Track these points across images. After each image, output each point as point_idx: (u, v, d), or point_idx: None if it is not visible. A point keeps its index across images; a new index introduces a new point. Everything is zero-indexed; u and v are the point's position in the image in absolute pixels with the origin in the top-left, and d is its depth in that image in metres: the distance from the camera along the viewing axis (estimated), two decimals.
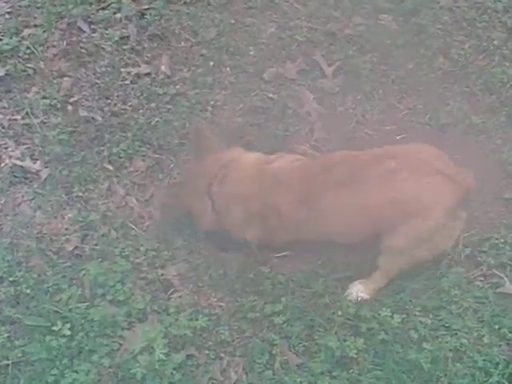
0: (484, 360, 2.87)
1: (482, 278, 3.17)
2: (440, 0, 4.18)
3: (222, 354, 2.99)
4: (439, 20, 4.05)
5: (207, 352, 2.99)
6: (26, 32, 3.90)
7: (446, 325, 2.99)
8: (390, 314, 2.96)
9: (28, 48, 3.83)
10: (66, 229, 3.35)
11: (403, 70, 3.89)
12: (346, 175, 2.92)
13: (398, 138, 3.64)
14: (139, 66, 3.85)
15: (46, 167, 3.51)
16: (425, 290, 3.10)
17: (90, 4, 4.00)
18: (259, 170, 3.13)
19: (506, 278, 3.13)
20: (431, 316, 3.03)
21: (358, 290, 3.11)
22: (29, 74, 3.77)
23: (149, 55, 3.88)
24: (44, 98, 3.69)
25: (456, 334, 2.96)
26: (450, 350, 2.89)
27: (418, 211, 2.86)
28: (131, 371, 2.84)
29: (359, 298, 3.08)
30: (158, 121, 3.65)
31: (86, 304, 3.06)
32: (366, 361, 2.88)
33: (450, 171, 2.89)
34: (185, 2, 4.09)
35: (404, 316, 2.99)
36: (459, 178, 2.90)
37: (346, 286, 3.13)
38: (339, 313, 2.99)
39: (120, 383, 2.89)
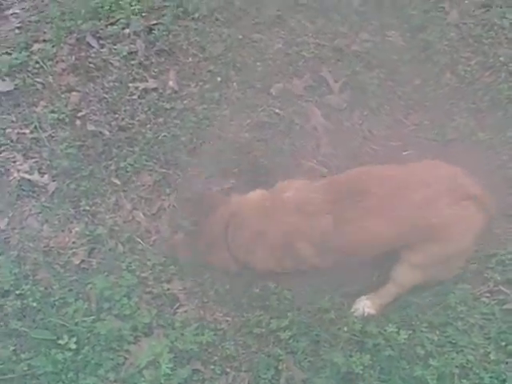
0: (490, 377, 2.86)
1: (488, 295, 3.16)
2: (447, 16, 4.20)
3: (228, 369, 2.99)
4: (446, 36, 4.07)
5: (213, 367, 2.99)
6: (36, 47, 3.94)
7: (453, 341, 2.98)
8: (396, 330, 2.96)
9: (37, 62, 3.86)
10: (73, 242, 3.36)
11: (410, 85, 3.90)
12: (377, 201, 2.82)
13: (404, 153, 3.64)
14: (147, 80, 3.87)
15: (54, 181, 3.52)
16: (431, 305, 3.09)
17: (99, 19, 4.04)
18: (272, 204, 3.04)
19: None
20: (438, 332, 3.02)
21: (365, 306, 3.10)
22: (37, 89, 3.80)
23: (156, 70, 3.90)
24: (52, 112, 3.71)
25: (462, 350, 2.95)
26: (457, 367, 2.88)
27: (447, 236, 2.84)
28: None
29: (366, 314, 3.07)
30: (165, 135, 3.66)
31: (92, 318, 3.07)
32: (371, 377, 2.87)
33: (481, 197, 2.86)
34: (192, 18, 4.12)
35: (410, 332, 2.98)
36: (488, 205, 2.87)
37: (352, 301, 3.12)
38: (345, 328, 2.99)
39: None
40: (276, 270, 3.10)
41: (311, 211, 2.91)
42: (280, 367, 2.94)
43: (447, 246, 2.86)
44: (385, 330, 2.97)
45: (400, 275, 3.03)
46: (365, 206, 2.82)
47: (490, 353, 2.94)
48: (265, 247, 3.03)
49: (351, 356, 2.90)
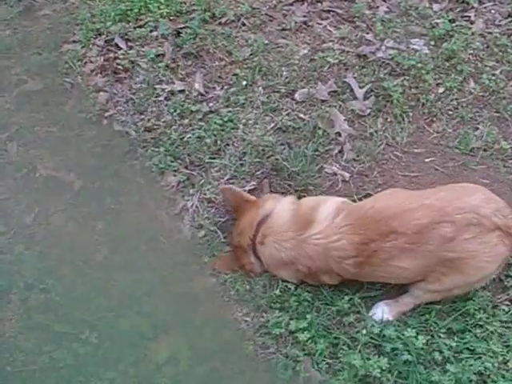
0: None
1: (507, 303, 3.14)
2: (472, 26, 4.21)
3: (246, 369, 3.00)
4: (471, 45, 4.08)
5: (231, 366, 3.00)
6: (65, 47, 4.02)
7: (471, 348, 2.97)
8: (414, 335, 2.95)
9: (66, 63, 3.95)
10: (97, 239, 3.40)
11: (434, 93, 3.91)
12: (403, 241, 2.84)
13: (426, 160, 3.65)
14: (173, 83, 3.92)
15: (80, 179, 3.58)
16: (450, 312, 3.08)
17: (128, 22, 4.11)
18: (301, 233, 3.04)
19: None
20: (456, 338, 3.00)
21: (383, 312, 3.10)
22: (66, 88, 3.87)
23: (183, 73, 3.96)
24: (80, 111, 3.78)
25: (480, 357, 2.93)
26: (474, 374, 2.87)
27: (468, 268, 2.86)
28: (155, 381, 2.86)
29: (383, 319, 3.07)
30: (190, 137, 3.71)
31: (113, 314, 3.10)
32: (389, 381, 2.87)
33: (509, 225, 2.86)
34: (220, 23, 4.18)
35: (428, 337, 2.98)
36: None
37: (372, 305, 3.13)
38: (364, 332, 2.99)
39: None
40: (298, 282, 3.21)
41: (337, 256, 2.95)
42: (298, 368, 2.94)
43: (468, 277, 2.91)
44: (403, 335, 2.96)
45: (417, 294, 3.07)
46: (391, 246, 2.85)
47: (508, 361, 2.92)
48: (290, 270, 3.12)
49: (369, 359, 2.90)
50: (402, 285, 3.07)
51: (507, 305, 3.13)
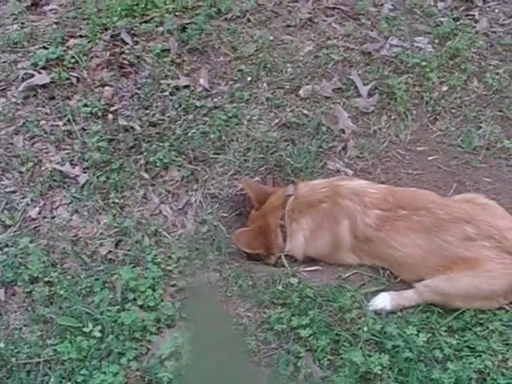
0: (508, 383, 2.85)
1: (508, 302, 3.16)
2: (476, 25, 4.22)
3: (248, 364, 3.02)
4: (475, 44, 4.09)
5: (233, 361, 3.02)
6: (72, 42, 4.03)
7: (471, 346, 2.98)
8: (415, 333, 2.97)
9: (73, 57, 3.96)
10: (101, 233, 3.42)
11: (437, 92, 3.93)
12: (429, 224, 3.04)
13: (429, 158, 3.67)
14: (179, 78, 3.94)
15: (85, 173, 3.60)
16: (451, 311, 3.11)
17: (134, 17, 4.12)
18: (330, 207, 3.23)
19: None
20: (456, 336, 3.02)
21: (384, 300, 3.11)
22: (72, 83, 3.89)
23: (188, 68, 3.97)
24: (85, 105, 3.79)
25: (480, 355, 2.95)
26: (474, 372, 2.88)
27: (484, 273, 2.96)
28: (158, 375, 2.88)
29: (381, 307, 3.09)
30: (194, 132, 3.72)
31: (117, 307, 3.11)
32: (389, 378, 2.89)
33: None
34: (225, 18, 4.19)
35: (429, 335, 2.99)
36: None
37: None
38: (365, 328, 3.01)
39: None
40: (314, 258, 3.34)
41: (369, 202, 3.15)
42: (299, 364, 2.96)
43: (476, 282, 2.98)
44: (404, 332, 2.98)
45: (421, 290, 3.09)
46: (418, 221, 3.05)
47: (508, 359, 2.94)
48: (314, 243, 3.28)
49: (370, 356, 2.92)
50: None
51: (507, 304, 3.14)
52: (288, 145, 3.69)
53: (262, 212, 3.39)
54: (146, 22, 4.13)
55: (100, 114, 3.77)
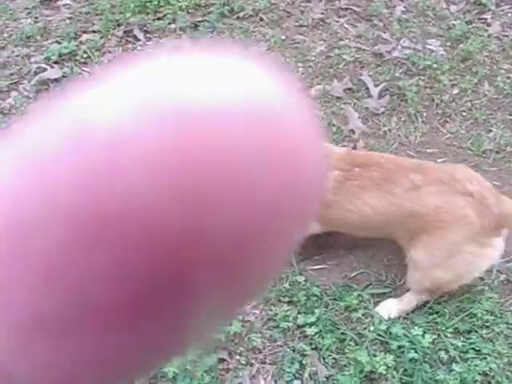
0: None
1: None
2: (488, 28, 4.22)
3: (253, 361, 3.04)
4: (487, 48, 4.09)
5: (238, 357, 3.04)
6: (84, 37, 4.05)
7: (477, 348, 2.99)
8: (421, 334, 2.98)
9: (85, 52, 3.98)
10: None
11: (448, 94, 3.93)
12: (378, 178, 2.85)
13: (439, 161, 3.67)
14: None
15: None
16: (457, 313, 3.11)
17: (147, 14, 4.14)
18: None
19: None
20: (462, 338, 3.03)
21: (389, 310, 3.12)
22: (84, 78, 3.90)
23: None
24: None
25: (486, 358, 2.96)
26: (479, 374, 2.89)
27: (437, 227, 2.79)
28: (163, 370, 2.89)
29: (387, 317, 3.09)
30: None
31: None
32: (394, 378, 2.90)
33: (483, 195, 2.75)
34: (238, 17, 4.20)
35: (435, 337, 3.00)
36: (492, 203, 2.75)
37: (380, 301, 3.16)
38: (371, 328, 3.02)
39: (151, 381, 2.95)
40: None
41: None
42: (304, 362, 2.97)
43: (437, 240, 2.82)
44: (410, 333, 2.99)
45: (409, 278, 3.03)
46: (370, 177, 2.86)
47: None
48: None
49: (375, 356, 2.93)
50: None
51: None
52: None
53: None
54: (158, 18, 4.15)
55: None
